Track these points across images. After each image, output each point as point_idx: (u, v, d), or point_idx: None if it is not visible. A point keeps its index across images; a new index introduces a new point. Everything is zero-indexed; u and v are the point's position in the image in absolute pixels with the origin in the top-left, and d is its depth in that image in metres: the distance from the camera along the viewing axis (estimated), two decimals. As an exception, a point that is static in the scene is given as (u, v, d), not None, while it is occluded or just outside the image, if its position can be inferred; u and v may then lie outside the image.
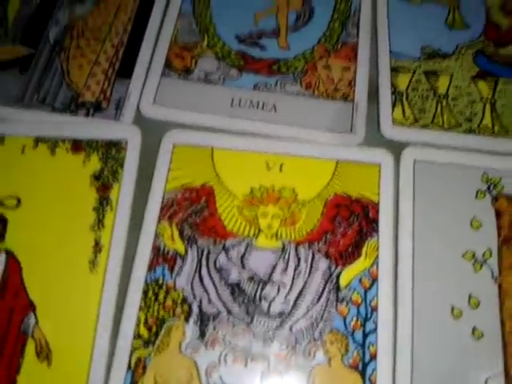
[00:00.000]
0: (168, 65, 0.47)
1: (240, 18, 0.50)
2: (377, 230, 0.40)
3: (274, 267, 0.39)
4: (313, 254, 0.39)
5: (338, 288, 0.38)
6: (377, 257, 0.39)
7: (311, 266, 0.39)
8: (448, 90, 0.46)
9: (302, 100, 0.46)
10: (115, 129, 0.45)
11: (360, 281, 0.38)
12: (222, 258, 0.39)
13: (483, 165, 0.43)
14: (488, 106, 0.46)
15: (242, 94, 0.46)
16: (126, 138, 0.44)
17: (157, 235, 0.40)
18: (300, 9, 0.51)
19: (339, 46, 0.48)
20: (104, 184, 0.42)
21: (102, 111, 0.46)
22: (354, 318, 0.37)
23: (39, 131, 0.44)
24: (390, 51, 0.48)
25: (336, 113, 0.45)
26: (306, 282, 0.38)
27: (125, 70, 0.48)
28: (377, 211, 0.41)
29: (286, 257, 0.39)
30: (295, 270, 0.39)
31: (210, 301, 0.38)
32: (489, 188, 0.42)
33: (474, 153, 0.44)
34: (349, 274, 0.39)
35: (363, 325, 0.37)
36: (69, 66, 0.48)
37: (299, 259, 0.39)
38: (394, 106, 0.45)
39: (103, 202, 0.41)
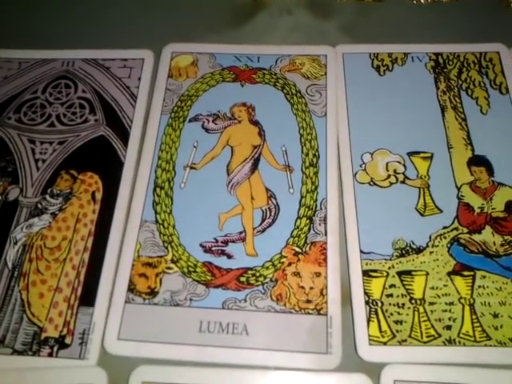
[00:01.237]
0: (131, 288, 0.45)
1: (203, 222, 0.48)
2: None
3: None
4: None
5: None
6: None
7: None
8: (424, 292, 0.44)
9: (274, 317, 0.43)
10: (80, 373, 0.42)
11: None
12: None
13: (469, 380, 0.41)
14: (467, 308, 0.43)
15: (210, 316, 0.44)
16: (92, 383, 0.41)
17: None
18: (265, 206, 0.49)
19: (308, 248, 0.46)
20: None
21: (66, 348, 0.43)
22: None
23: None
24: (361, 251, 0.46)
25: (310, 330, 0.43)
26: None
27: (87, 295, 0.45)
28: None
29: None
30: None
31: None
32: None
33: (457, 367, 0.41)
34: None
35: None
36: (29, 296, 0.45)
37: None
38: (369, 319, 0.43)
39: None
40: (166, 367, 0.42)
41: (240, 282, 0.45)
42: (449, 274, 0.45)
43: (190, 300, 0.45)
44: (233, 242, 0.47)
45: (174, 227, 0.48)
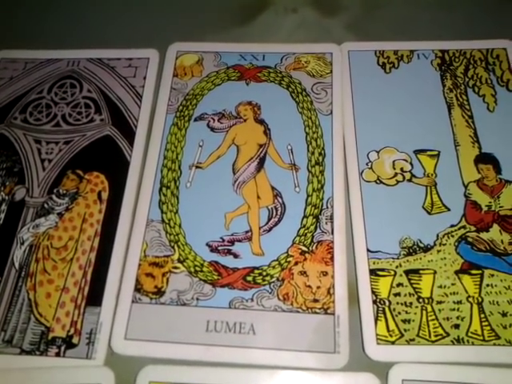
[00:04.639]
0: (138, 288, 0.45)
1: (209, 221, 0.48)
2: None
3: None
4: None
5: None
6: None
7: None
8: (432, 291, 0.44)
9: (281, 316, 0.43)
10: (87, 373, 0.42)
11: None
12: None
13: (478, 380, 0.40)
14: (475, 307, 0.43)
15: (217, 315, 0.43)
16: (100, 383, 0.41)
17: None
18: (271, 205, 0.48)
19: (314, 247, 0.46)
20: None
21: (73, 348, 0.43)
22: None
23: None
24: (368, 250, 0.45)
25: (317, 329, 0.43)
26: None
27: (94, 295, 0.45)
28: None
29: None
30: None
31: None
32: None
33: (466, 366, 0.41)
34: None
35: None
36: (36, 296, 0.45)
37: None
38: (376, 318, 0.43)
39: None
40: (172, 367, 0.42)
41: (247, 282, 0.45)
42: (456, 272, 0.45)
43: (197, 299, 0.45)
44: (239, 241, 0.47)
45: (180, 226, 0.48)
